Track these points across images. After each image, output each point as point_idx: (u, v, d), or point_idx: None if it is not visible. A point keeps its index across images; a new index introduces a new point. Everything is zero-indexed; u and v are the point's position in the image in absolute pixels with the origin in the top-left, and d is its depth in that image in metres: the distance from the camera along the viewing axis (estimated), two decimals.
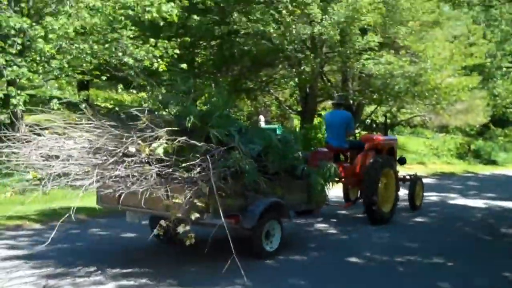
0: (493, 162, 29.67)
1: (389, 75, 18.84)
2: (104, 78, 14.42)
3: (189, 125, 6.93)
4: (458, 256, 8.15)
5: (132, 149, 6.49)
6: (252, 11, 18.39)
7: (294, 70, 19.85)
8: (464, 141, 30.62)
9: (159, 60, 13.84)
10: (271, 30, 17.83)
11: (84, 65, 13.62)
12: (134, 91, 17.09)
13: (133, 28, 13.65)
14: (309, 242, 8.50)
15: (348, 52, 18.55)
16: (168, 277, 6.45)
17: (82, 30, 12.97)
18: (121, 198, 6.66)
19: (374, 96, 20.78)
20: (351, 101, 22.04)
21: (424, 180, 13.50)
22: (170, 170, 6.53)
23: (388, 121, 28.82)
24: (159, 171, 6.46)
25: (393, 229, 10.02)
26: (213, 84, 19.00)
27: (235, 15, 18.19)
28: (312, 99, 21.56)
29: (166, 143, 6.63)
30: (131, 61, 13.50)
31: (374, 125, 29.63)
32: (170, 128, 6.83)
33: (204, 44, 21.55)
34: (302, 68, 18.93)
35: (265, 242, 7.47)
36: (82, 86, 21.68)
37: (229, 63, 21.52)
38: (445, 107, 22.43)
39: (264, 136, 7.83)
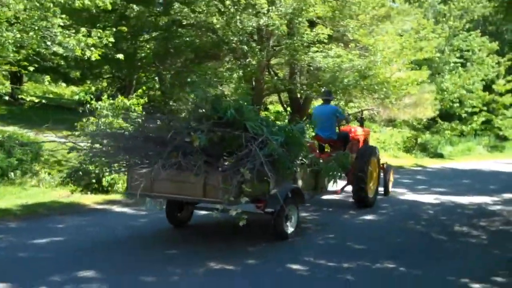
0: (440, 156, 29.55)
1: (338, 68, 18.29)
2: (31, 69, 13.33)
3: (230, 117, 7.58)
4: (411, 259, 7.56)
5: (187, 139, 7.35)
6: (195, 1, 17.60)
7: (239, 62, 19.10)
8: (411, 135, 30.41)
9: (92, 49, 12.83)
10: (215, 21, 17.12)
11: (11, 55, 12.57)
12: (64, 84, 16.08)
13: (63, 16, 12.60)
14: (248, 246, 7.79)
15: (296, 44, 17.91)
16: None
17: (6, 18, 11.95)
18: (154, 186, 7.62)
19: (322, 90, 20.14)
20: (298, 95, 21.45)
21: None
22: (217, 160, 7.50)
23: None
24: (206, 160, 7.33)
25: (339, 229, 9.39)
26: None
27: (178, 5, 17.40)
28: (259, 93, 20.80)
29: (212, 134, 7.46)
30: (61, 50, 12.49)
31: None
32: (215, 121, 7.56)
33: (146, 36, 20.72)
34: (247, 60, 18.23)
35: (285, 225, 8.20)
36: (15, 78, 20.58)
37: (172, 56, 20.72)
38: (393, 101, 21.98)
39: (282, 127, 8.57)
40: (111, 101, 13.29)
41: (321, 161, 9.66)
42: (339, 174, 9.61)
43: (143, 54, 21.32)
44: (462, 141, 33.58)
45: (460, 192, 14.47)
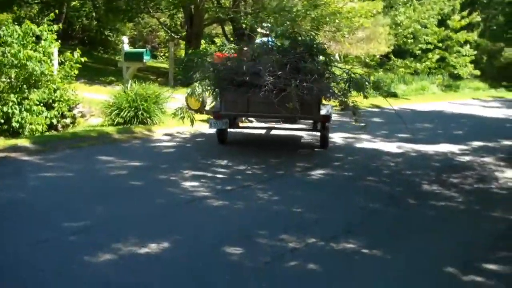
0: (394, 95, 28.04)
1: None
2: None
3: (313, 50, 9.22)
4: (374, 234, 5.84)
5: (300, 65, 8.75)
6: None
7: None
8: (364, 72, 28.77)
9: None
10: None
11: None
12: None
13: None
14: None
15: None
16: None
17: None
18: (250, 107, 9.23)
19: (268, 20, 18.12)
20: (243, 25, 19.35)
21: None
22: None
23: None
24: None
25: (285, 189, 7.60)
26: None
27: None
28: (198, 22, 18.65)
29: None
30: None
31: None
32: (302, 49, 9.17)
33: None
34: None
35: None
36: None
37: None
38: (346, 35, 20.20)
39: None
40: (15, 27, 11.20)
41: None
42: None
43: None
44: (416, 79, 32.08)
45: (423, 139, 12.73)
